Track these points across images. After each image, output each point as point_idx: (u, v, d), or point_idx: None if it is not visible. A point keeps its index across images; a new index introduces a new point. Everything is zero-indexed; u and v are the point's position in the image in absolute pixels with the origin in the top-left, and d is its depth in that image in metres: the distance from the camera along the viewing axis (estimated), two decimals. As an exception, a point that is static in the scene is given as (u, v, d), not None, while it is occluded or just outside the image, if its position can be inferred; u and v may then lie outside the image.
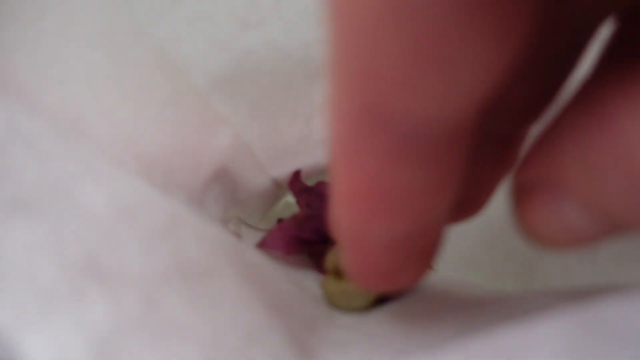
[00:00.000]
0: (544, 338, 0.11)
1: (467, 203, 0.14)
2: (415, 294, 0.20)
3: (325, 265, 0.21)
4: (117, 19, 0.19)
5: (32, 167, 0.12)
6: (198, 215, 0.17)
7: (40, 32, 0.17)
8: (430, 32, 0.08)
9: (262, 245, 0.23)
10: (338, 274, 0.20)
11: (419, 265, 0.13)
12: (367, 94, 0.09)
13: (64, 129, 0.15)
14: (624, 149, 0.09)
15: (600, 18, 0.11)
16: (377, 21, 0.08)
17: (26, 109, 0.13)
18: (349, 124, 0.10)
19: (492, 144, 0.13)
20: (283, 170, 0.25)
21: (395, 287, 0.13)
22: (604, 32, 0.11)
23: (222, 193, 0.23)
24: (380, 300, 0.20)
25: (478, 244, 0.22)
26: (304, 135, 0.25)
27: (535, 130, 0.13)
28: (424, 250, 0.12)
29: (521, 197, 0.11)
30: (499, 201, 0.22)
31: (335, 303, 0.20)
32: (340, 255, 0.13)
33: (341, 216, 0.12)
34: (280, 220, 0.25)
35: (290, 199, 0.28)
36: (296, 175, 0.25)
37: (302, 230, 0.23)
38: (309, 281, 0.21)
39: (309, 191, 0.25)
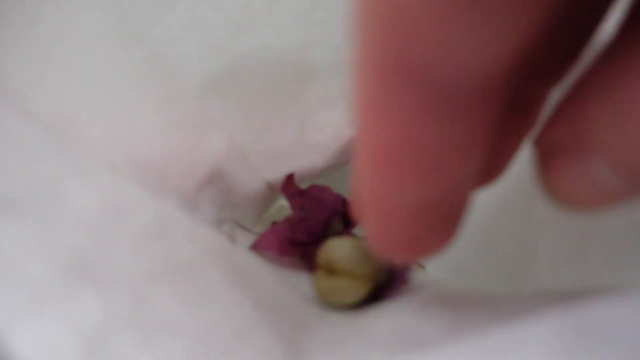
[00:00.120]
0: (535, 338, 0.11)
1: (488, 167, 0.14)
2: (407, 293, 0.20)
3: (317, 260, 0.21)
4: (111, 23, 0.19)
5: (22, 168, 0.12)
6: (190, 217, 0.17)
7: (34, 36, 0.17)
8: None
9: (256, 247, 0.23)
10: (329, 270, 0.20)
11: (443, 233, 0.12)
12: (396, 41, 0.09)
13: (56, 131, 0.15)
14: None
15: None
16: None
17: (17, 110, 0.14)
18: (376, 75, 0.09)
19: (514, 104, 0.13)
20: (277, 173, 0.25)
21: (418, 257, 0.13)
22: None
23: (216, 196, 0.23)
24: (372, 296, 0.20)
25: (469, 247, 0.23)
26: (298, 138, 0.25)
27: (557, 91, 0.12)
28: (449, 216, 0.12)
29: (547, 160, 0.11)
30: (490, 203, 0.22)
31: (327, 299, 0.20)
32: (361, 224, 0.13)
33: (365, 179, 0.11)
34: (274, 223, 0.25)
35: (284, 202, 0.28)
36: (289, 178, 0.25)
37: (295, 232, 0.23)
38: (301, 282, 0.22)
39: (302, 194, 0.25)
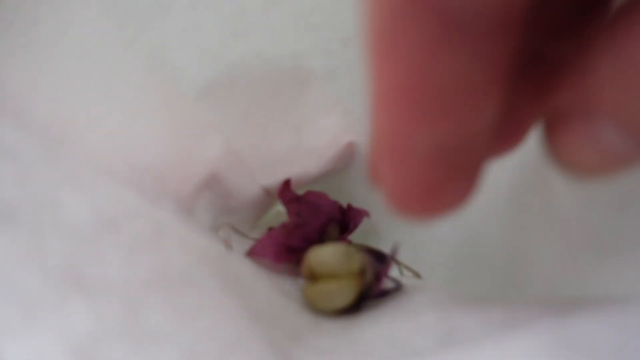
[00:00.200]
0: (524, 353, 0.11)
1: (507, 132, 0.13)
2: (401, 300, 0.20)
3: (301, 270, 0.21)
4: (108, 29, 0.19)
5: (15, 177, 0.12)
6: (185, 224, 0.17)
7: (31, 42, 0.17)
8: None
9: (252, 253, 0.23)
10: (312, 276, 0.20)
11: (461, 185, 0.11)
12: None
13: (53, 138, 0.15)
14: None
15: None
16: None
17: (12, 118, 0.14)
18: (390, 5, 0.09)
19: (531, 63, 0.12)
20: (273, 179, 0.25)
21: (436, 212, 0.12)
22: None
23: (213, 201, 0.23)
24: (363, 298, 0.20)
25: (461, 255, 0.23)
26: (294, 144, 0.25)
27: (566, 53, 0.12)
28: (467, 165, 0.11)
29: (554, 126, 0.11)
30: (482, 211, 0.22)
31: (317, 306, 0.20)
32: (380, 178, 0.12)
33: (380, 124, 0.10)
34: (270, 229, 0.25)
35: (280, 207, 0.28)
36: (286, 184, 0.25)
37: (291, 239, 0.23)
38: (296, 289, 0.22)
39: (299, 200, 0.25)
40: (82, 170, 0.14)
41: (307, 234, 0.24)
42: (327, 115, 0.25)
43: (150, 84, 0.20)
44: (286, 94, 0.24)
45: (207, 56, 0.22)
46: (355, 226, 0.25)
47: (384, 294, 0.21)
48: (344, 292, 0.20)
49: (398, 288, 0.21)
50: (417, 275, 0.24)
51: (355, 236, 0.25)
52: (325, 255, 0.20)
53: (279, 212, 0.30)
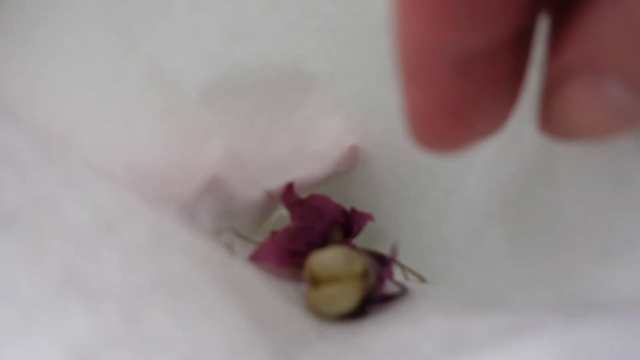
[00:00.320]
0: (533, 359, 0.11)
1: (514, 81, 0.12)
2: (406, 304, 0.19)
3: (303, 275, 0.21)
4: (108, 32, 0.19)
5: (14, 181, 0.12)
6: (187, 228, 0.17)
7: (30, 45, 0.17)
8: None
9: (254, 257, 0.23)
10: (315, 280, 0.20)
11: (488, 107, 0.11)
12: None
13: (52, 142, 0.15)
14: None
15: None
16: None
17: (11, 122, 0.13)
18: None
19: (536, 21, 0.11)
20: (276, 182, 0.25)
21: (461, 139, 0.11)
22: None
23: (214, 205, 0.23)
24: (367, 302, 0.20)
25: (467, 258, 0.22)
26: (297, 147, 0.25)
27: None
28: (495, 82, 0.11)
29: (559, 87, 0.10)
30: (487, 214, 0.22)
31: (320, 311, 0.20)
32: (404, 101, 0.11)
33: (405, 30, 0.10)
34: (273, 233, 0.24)
35: (284, 211, 0.28)
36: (289, 188, 0.25)
37: (294, 243, 0.23)
38: (300, 294, 0.21)
39: (302, 204, 0.25)
40: (82, 174, 0.14)
41: (310, 238, 0.24)
42: (329, 118, 0.25)
43: (151, 88, 0.20)
44: (288, 97, 0.24)
45: (207, 59, 0.22)
46: (359, 230, 0.25)
47: (389, 299, 0.21)
48: (346, 295, 0.19)
49: (403, 292, 0.21)
50: (422, 279, 0.24)
51: (359, 240, 0.25)
52: (326, 258, 0.20)
53: (281, 216, 0.30)
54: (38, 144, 0.14)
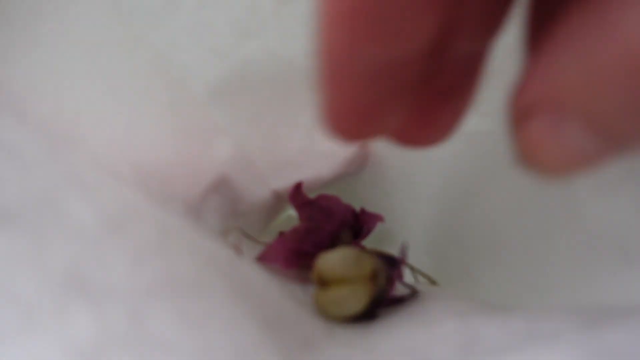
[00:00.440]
0: None
1: (434, 123, 0.14)
2: (416, 307, 0.19)
3: (311, 277, 0.20)
4: (114, 27, 0.19)
5: (17, 178, 0.12)
6: (194, 227, 0.16)
7: (35, 40, 0.17)
8: None
9: (262, 258, 0.23)
10: (323, 282, 0.20)
11: (393, 108, 0.12)
12: None
13: (56, 138, 0.15)
14: (624, 47, 0.08)
15: None
16: None
17: (15, 118, 0.13)
18: None
19: (454, 61, 0.13)
20: (284, 182, 0.25)
21: (367, 135, 0.12)
22: None
23: (221, 204, 0.22)
24: (376, 304, 0.19)
25: (482, 260, 0.22)
26: (305, 146, 0.25)
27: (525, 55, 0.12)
28: (401, 89, 0.12)
29: (521, 124, 0.11)
30: (502, 215, 0.21)
31: (329, 313, 0.19)
32: (319, 96, 0.12)
33: (326, 40, 0.11)
34: (281, 234, 0.24)
35: (292, 212, 0.28)
36: (297, 187, 0.25)
37: (302, 244, 0.23)
38: (308, 295, 0.21)
39: (311, 204, 0.24)
40: (86, 171, 0.14)
41: (319, 239, 0.23)
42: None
43: (158, 84, 0.20)
44: (297, 94, 0.24)
45: (216, 56, 0.22)
46: (369, 231, 0.24)
47: (399, 301, 0.20)
48: (355, 297, 0.19)
49: (413, 295, 0.20)
50: (432, 281, 0.23)
51: (369, 241, 0.25)
52: (335, 260, 0.20)
53: (290, 217, 0.29)
54: (42, 140, 0.13)
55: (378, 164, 0.26)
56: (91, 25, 0.18)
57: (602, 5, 0.09)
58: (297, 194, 0.24)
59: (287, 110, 0.24)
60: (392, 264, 0.21)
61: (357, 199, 0.26)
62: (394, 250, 0.22)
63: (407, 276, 0.23)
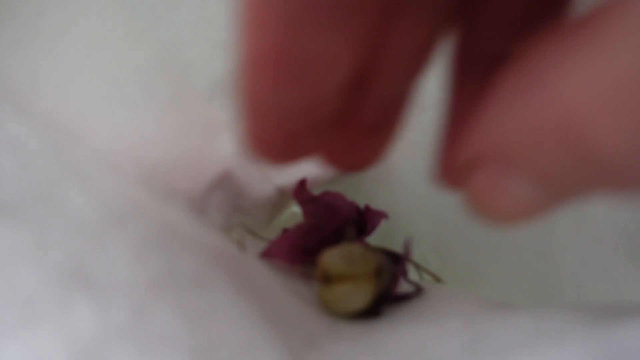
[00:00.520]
0: None
1: (360, 152, 0.15)
2: (422, 304, 0.19)
3: (315, 273, 0.20)
4: (118, 21, 0.19)
5: (18, 170, 0.11)
6: (197, 223, 0.16)
7: (37, 33, 0.17)
8: None
9: (266, 254, 0.23)
10: (327, 278, 0.20)
11: (315, 137, 0.13)
12: None
13: (58, 133, 0.15)
14: (560, 108, 0.09)
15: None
16: None
17: (16, 111, 0.13)
18: None
19: (376, 99, 0.13)
20: (288, 178, 0.25)
21: (291, 159, 0.13)
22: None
23: (225, 200, 0.22)
24: (381, 301, 0.19)
25: (489, 258, 0.22)
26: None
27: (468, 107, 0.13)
28: (321, 121, 0.12)
29: (467, 175, 0.11)
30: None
31: (333, 309, 0.19)
32: (241, 125, 0.13)
33: (245, 80, 0.12)
34: (285, 230, 0.24)
35: (296, 208, 0.28)
36: (301, 184, 0.24)
37: (306, 240, 0.23)
38: (312, 292, 0.21)
39: (315, 201, 0.24)
40: (88, 165, 0.14)
41: (323, 236, 0.23)
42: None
43: (161, 79, 0.20)
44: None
45: (220, 50, 0.21)
46: (373, 228, 0.24)
47: (404, 298, 0.20)
48: (359, 293, 0.19)
49: (418, 292, 0.20)
50: (437, 279, 0.23)
51: (373, 239, 0.24)
52: (339, 256, 0.20)
53: (293, 213, 0.29)
54: (44, 133, 0.13)
55: (383, 161, 0.26)
56: (95, 20, 0.18)
57: (541, 66, 0.09)
58: (301, 191, 0.24)
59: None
60: (396, 261, 0.21)
61: (361, 196, 0.26)
62: (398, 248, 0.22)
63: (413, 274, 0.23)
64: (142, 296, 0.12)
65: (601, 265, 0.17)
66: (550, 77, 0.09)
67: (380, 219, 0.24)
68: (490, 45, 0.13)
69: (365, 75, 0.13)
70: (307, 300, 0.19)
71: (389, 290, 0.20)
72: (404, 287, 0.21)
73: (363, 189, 0.27)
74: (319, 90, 0.11)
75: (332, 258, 0.20)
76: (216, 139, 0.22)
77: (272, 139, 0.12)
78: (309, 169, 0.25)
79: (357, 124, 0.14)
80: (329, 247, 0.22)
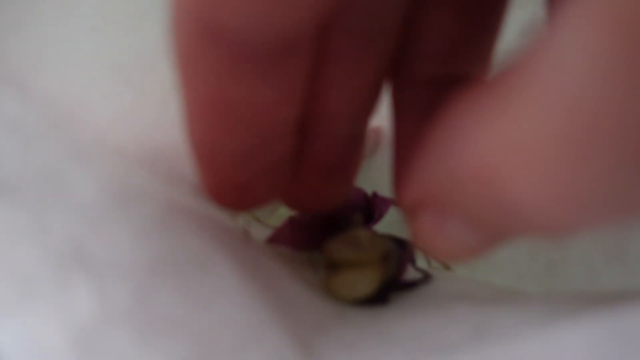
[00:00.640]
0: (571, 347, 0.10)
1: (319, 194, 0.16)
2: (429, 290, 0.19)
3: (321, 259, 0.20)
4: (121, 3, 0.19)
5: (18, 151, 0.11)
6: (201, 207, 0.16)
7: (39, 14, 0.16)
8: None
9: (272, 240, 0.22)
10: (333, 264, 0.19)
11: (269, 182, 0.13)
12: (199, 6, 0.09)
13: (59, 114, 0.15)
14: (478, 160, 0.09)
15: None
16: None
17: (17, 92, 0.13)
18: (187, 37, 0.10)
19: (327, 143, 0.14)
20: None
21: (250, 205, 0.14)
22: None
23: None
24: (388, 288, 0.19)
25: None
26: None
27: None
28: (272, 165, 0.13)
29: (410, 218, 0.12)
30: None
31: (339, 295, 0.19)
32: (196, 173, 0.14)
33: (190, 130, 0.12)
34: (291, 217, 0.24)
35: (302, 195, 0.27)
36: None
37: (313, 227, 0.22)
38: (318, 278, 0.21)
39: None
40: (89, 147, 0.13)
41: (329, 222, 0.23)
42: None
43: (164, 62, 0.20)
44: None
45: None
46: (381, 215, 0.24)
47: (412, 285, 0.20)
48: (366, 280, 0.19)
49: (426, 279, 0.20)
50: (446, 266, 0.23)
51: (381, 226, 0.24)
52: (345, 242, 0.20)
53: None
54: (45, 115, 0.13)
55: (391, 147, 0.26)
56: (97, 1, 0.18)
57: (464, 119, 0.10)
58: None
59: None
60: (403, 247, 0.21)
61: (369, 183, 0.26)
62: (406, 236, 0.21)
63: (421, 262, 0.22)
64: (143, 278, 0.11)
65: (612, 250, 0.17)
66: (467, 134, 0.10)
67: (388, 206, 0.24)
68: (426, 73, 0.13)
69: (311, 119, 0.13)
70: (313, 286, 0.19)
71: (396, 276, 0.19)
72: (411, 274, 0.21)
73: (371, 175, 0.27)
74: (263, 135, 0.11)
75: (339, 244, 0.20)
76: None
77: (227, 185, 0.13)
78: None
79: (313, 167, 0.14)
80: (335, 233, 0.22)
